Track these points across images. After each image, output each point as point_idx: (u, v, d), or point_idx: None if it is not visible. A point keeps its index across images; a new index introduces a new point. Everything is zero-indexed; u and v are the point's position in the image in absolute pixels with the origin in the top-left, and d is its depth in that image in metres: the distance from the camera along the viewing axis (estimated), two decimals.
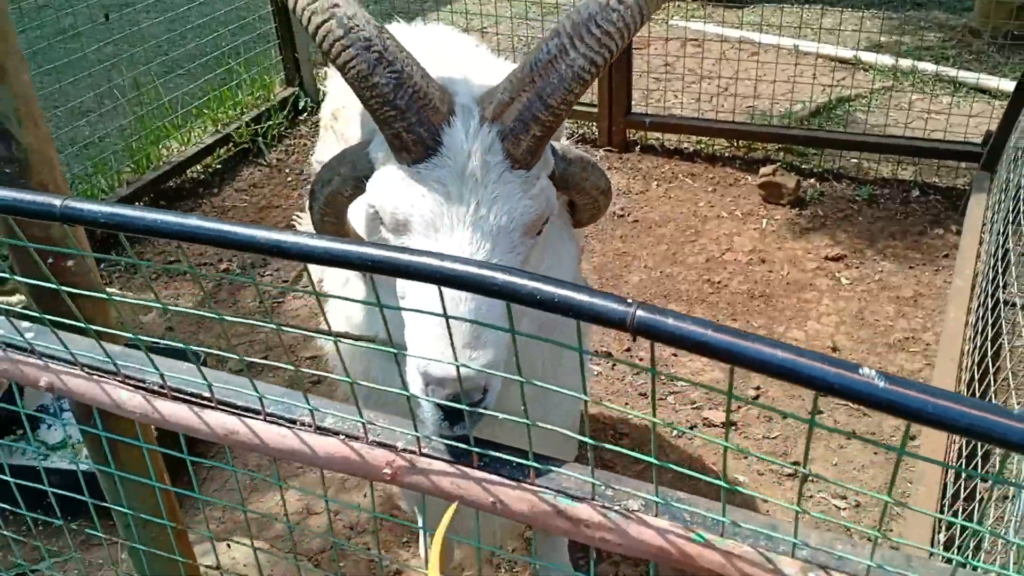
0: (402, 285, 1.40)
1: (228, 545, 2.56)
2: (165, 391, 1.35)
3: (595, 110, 4.79)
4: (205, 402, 1.33)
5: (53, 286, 1.19)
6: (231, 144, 4.87)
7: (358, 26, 1.27)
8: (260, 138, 4.93)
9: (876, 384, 0.80)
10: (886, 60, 5.47)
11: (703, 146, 4.78)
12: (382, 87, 1.25)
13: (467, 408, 1.16)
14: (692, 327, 0.87)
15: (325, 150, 2.07)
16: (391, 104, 1.26)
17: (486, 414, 1.23)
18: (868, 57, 5.52)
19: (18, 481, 1.73)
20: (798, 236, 4.09)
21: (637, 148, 4.83)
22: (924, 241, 4.03)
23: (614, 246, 4.08)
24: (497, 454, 1.18)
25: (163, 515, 1.75)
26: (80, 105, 5.01)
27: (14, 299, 1.57)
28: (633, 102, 4.89)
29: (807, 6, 6.46)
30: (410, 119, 1.27)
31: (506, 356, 1.32)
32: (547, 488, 1.16)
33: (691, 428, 3.09)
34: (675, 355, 3.40)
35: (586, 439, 1.03)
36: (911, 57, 5.50)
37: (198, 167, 4.71)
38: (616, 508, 1.14)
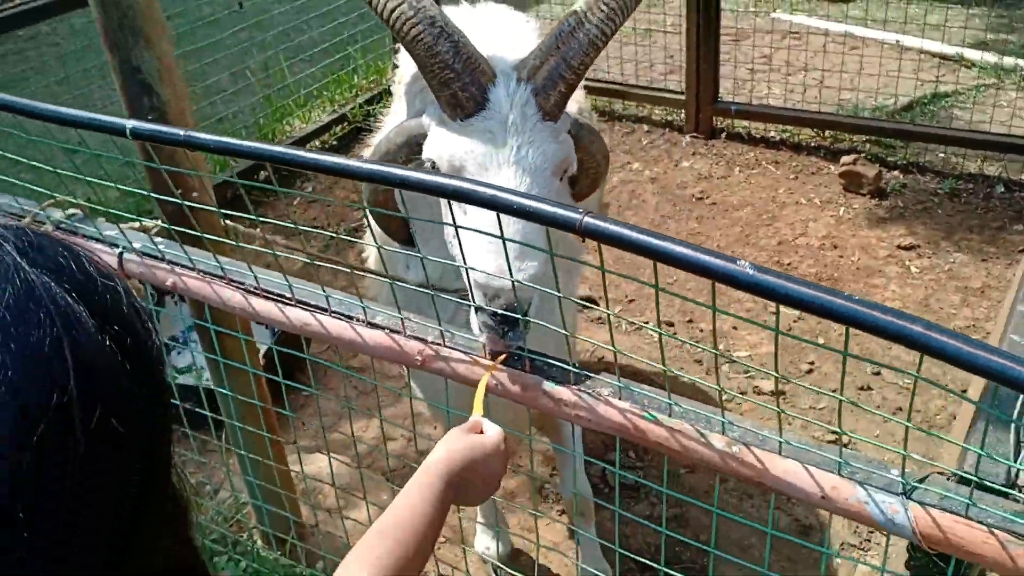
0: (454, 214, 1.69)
1: (323, 453, 2.96)
2: (258, 291, 1.72)
3: (682, 97, 5.00)
4: (287, 301, 1.70)
5: (177, 200, 1.58)
6: (346, 123, 5.33)
7: (424, 7, 1.60)
8: (372, 118, 5.38)
9: (746, 271, 1.07)
10: (990, 58, 5.44)
11: (789, 135, 4.92)
12: (443, 54, 1.56)
13: (522, 317, 1.45)
14: (622, 229, 1.15)
15: (392, 120, 2.41)
16: (451, 68, 1.57)
17: (532, 322, 1.49)
18: (972, 55, 5.50)
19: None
20: (874, 225, 4.20)
21: (723, 135, 5.02)
22: (1002, 236, 4.07)
23: (689, 226, 4.31)
24: (522, 353, 1.49)
25: (260, 418, 2.14)
26: (216, 84, 5.57)
27: (151, 224, 1.98)
28: (725, 91, 5.09)
29: (913, 3, 6.44)
30: (464, 80, 1.58)
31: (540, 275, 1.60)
32: (537, 375, 1.47)
33: (741, 394, 3.30)
34: (735, 328, 3.62)
35: (593, 340, 1.33)
36: (1017, 56, 5.45)
37: (316, 143, 5.19)
38: (589, 392, 1.44)
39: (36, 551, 0.56)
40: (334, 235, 3.13)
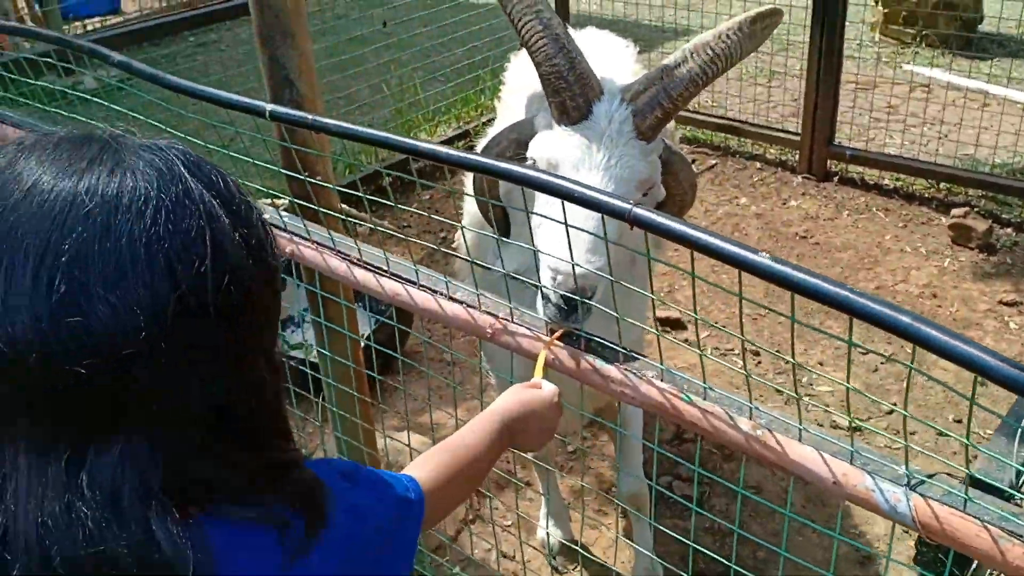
0: (542, 206, 1.87)
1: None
2: (360, 263, 1.97)
3: (797, 138, 5.06)
4: (383, 272, 1.93)
5: (301, 176, 1.84)
6: (468, 139, 5.64)
7: (552, 24, 1.82)
8: None
9: (766, 261, 1.22)
10: None
11: (903, 184, 4.90)
12: (560, 67, 1.78)
13: (583, 300, 1.63)
14: (665, 220, 1.32)
15: (496, 128, 2.64)
16: (564, 79, 1.78)
17: (594, 307, 1.67)
18: None
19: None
20: (978, 278, 4.15)
21: (836, 178, 5.04)
22: None
23: None
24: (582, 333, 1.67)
25: (353, 388, 2.38)
26: (357, 95, 5.99)
27: (281, 200, 2.27)
28: (844, 136, 5.12)
29: None
30: (574, 91, 1.79)
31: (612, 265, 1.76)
32: (590, 354, 1.64)
33: (819, 425, 3.35)
34: (820, 363, 3.66)
35: (647, 325, 1.50)
36: None
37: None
38: (635, 372, 1.60)
39: (165, 379, 0.78)
40: (435, 248, 3.38)
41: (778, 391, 3.55)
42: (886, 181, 4.96)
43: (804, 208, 4.85)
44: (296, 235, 2.07)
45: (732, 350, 3.77)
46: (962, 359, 1.06)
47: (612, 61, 2.24)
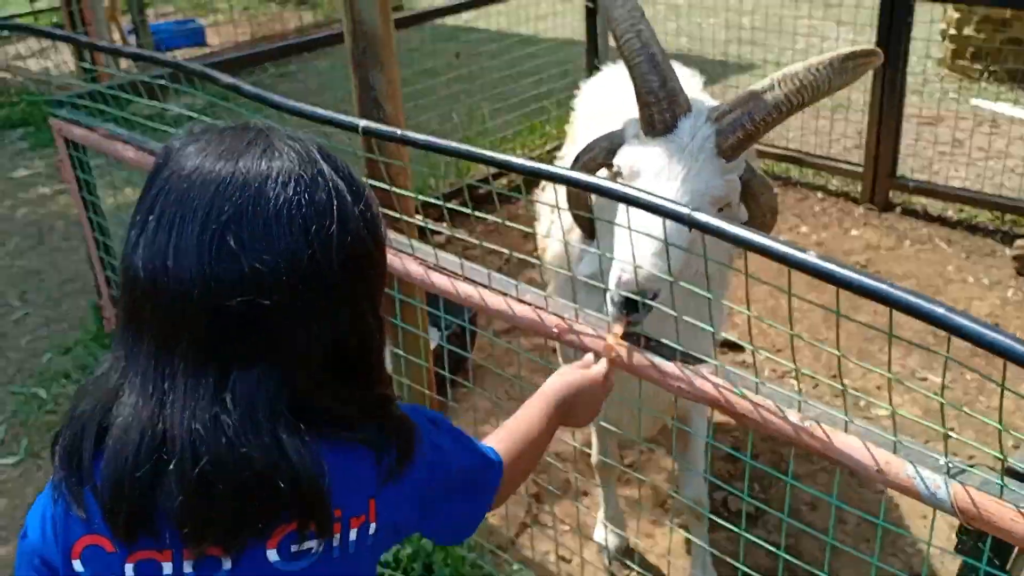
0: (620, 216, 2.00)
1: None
2: (436, 267, 2.13)
3: (860, 169, 5.12)
4: (458, 277, 2.09)
5: (383, 186, 2.02)
6: None
7: (649, 42, 1.94)
8: (554, 162, 5.84)
9: (811, 258, 1.34)
10: None
11: (966, 215, 4.91)
12: (652, 82, 1.91)
13: (643, 300, 1.75)
14: (722, 224, 1.45)
15: (570, 149, 2.78)
16: (655, 93, 1.91)
17: (653, 306, 1.77)
18: None
19: None
20: None
21: (898, 209, 5.08)
22: None
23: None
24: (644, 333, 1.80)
25: (424, 386, 2.54)
26: (428, 124, 6.21)
27: None
28: (909, 169, 5.16)
29: None
30: (663, 105, 1.91)
31: (676, 270, 1.80)
32: (650, 351, 1.77)
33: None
34: (879, 388, 3.70)
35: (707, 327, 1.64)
36: None
37: (503, 180, 5.71)
38: (691, 368, 1.72)
39: (295, 320, 0.97)
40: (510, 255, 3.53)
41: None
42: (949, 213, 4.98)
43: (865, 238, 4.89)
44: None
45: (789, 373, 3.83)
46: (993, 346, 1.17)
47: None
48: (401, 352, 2.47)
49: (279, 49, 5.73)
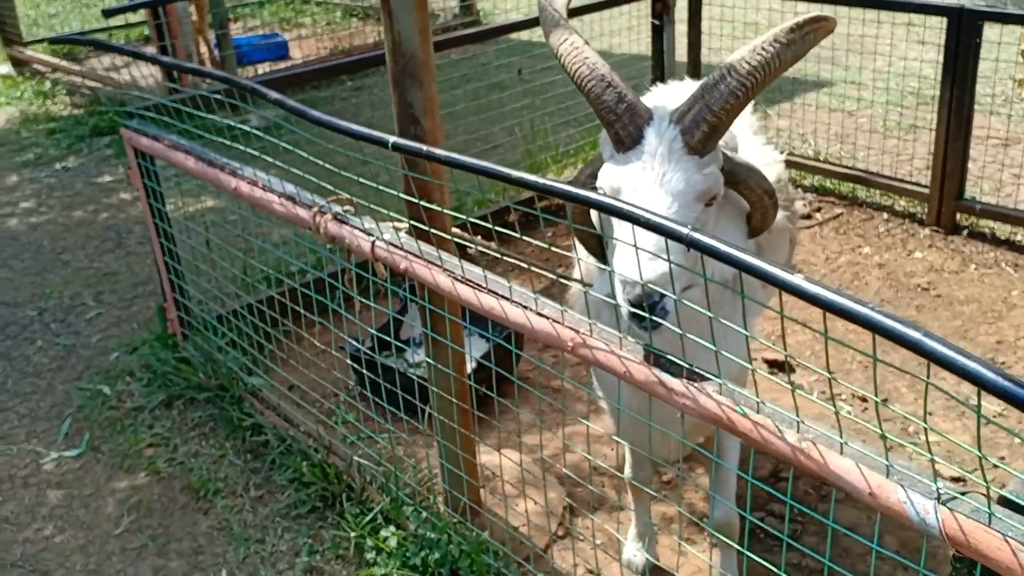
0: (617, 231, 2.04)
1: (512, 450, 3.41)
2: (463, 280, 2.20)
3: (926, 190, 5.00)
4: (482, 289, 2.16)
5: (413, 199, 2.10)
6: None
7: (597, 66, 1.99)
8: None
9: (802, 284, 1.36)
10: None
11: None
12: (608, 102, 1.96)
13: (649, 315, 1.78)
14: (717, 244, 1.49)
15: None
16: (613, 112, 1.96)
17: (662, 323, 1.78)
18: None
19: (373, 378, 2.68)
20: None
21: (964, 232, 4.94)
22: None
23: (906, 313, 4.32)
24: (657, 351, 1.84)
25: (453, 395, 2.61)
26: (493, 137, 6.32)
27: (403, 225, 2.54)
28: (980, 192, 5.01)
29: None
30: (624, 121, 1.95)
31: (681, 283, 1.83)
32: (657, 367, 1.80)
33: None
34: (931, 413, 3.62)
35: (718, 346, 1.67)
36: None
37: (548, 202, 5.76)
38: (696, 386, 1.75)
39: None
40: (555, 277, 3.59)
41: (882, 437, 3.54)
42: (1019, 237, 4.83)
43: (929, 260, 4.78)
44: (411, 254, 2.34)
45: (840, 395, 3.78)
46: (963, 372, 1.17)
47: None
48: (438, 364, 2.56)
49: (354, 63, 5.92)
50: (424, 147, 2.00)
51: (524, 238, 2.10)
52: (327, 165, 2.44)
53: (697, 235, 1.52)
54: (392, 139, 2.07)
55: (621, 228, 1.86)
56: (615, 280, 1.86)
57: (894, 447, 3.43)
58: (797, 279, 1.38)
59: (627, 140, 1.96)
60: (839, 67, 6.55)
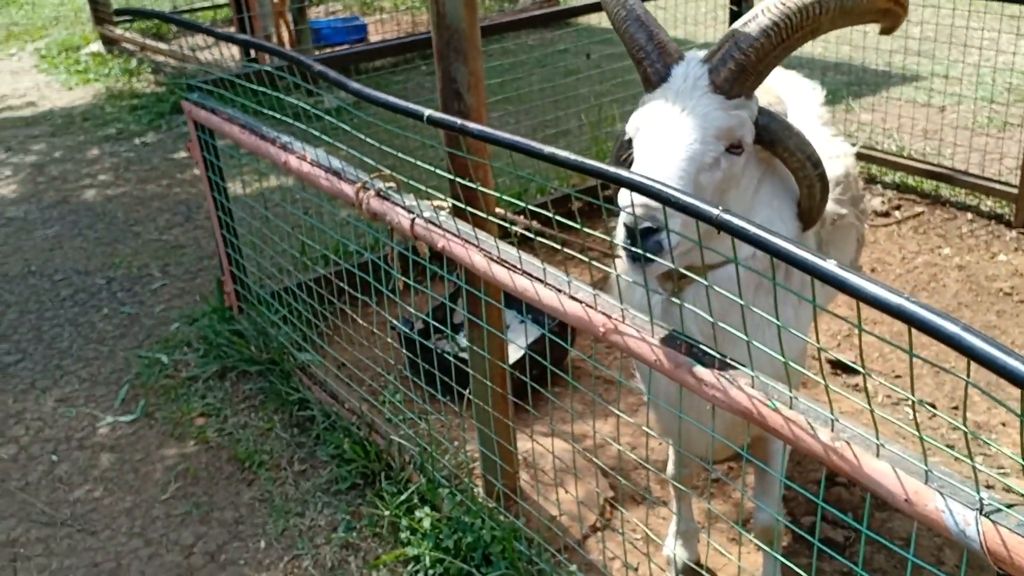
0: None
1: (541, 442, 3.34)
2: (498, 260, 2.14)
3: (1014, 190, 4.72)
4: (516, 269, 2.10)
5: (449, 176, 2.05)
6: None
7: (633, 7, 1.93)
8: None
9: (832, 268, 1.26)
10: None
11: None
12: (639, 39, 1.90)
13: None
14: (747, 225, 1.39)
15: None
16: (643, 49, 1.90)
17: (655, 259, 1.68)
18: None
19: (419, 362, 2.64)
20: None
21: None
22: None
23: (986, 318, 4.08)
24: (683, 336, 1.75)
25: (488, 378, 2.55)
26: (562, 123, 6.23)
27: (445, 204, 2.49)
28: None
29: None
30: (652, 58, 1.89)
31: (676, 222, 1.70)
32: (689, 357, 1.71)
33: (988, 487, 3.12)
34: (1003, 424, 3.41)
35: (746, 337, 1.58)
36: None
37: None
38: (727, 377, 1.65)
39: None
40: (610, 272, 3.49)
41: (949, 446, 3.35)
42: None
43: (1014, 264, 4.51)
44: (449, 232, 2.29)
45: (906, 400, 3.59)
46: (1004, 371, 1.06)
47: (798, 99, 2.28)
48: (475, 348, 2.51)
49: (413, 42, 5.90)
50: (458, 121, 1.94)
51: (572, 227, 2.02)
52: (382, 146, 2.40)
53: (728, 216, 1.43)
54: (428, 112, 2.02)
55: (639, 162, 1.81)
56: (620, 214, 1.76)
57: (950, 455, 3.25)
58: (828, 264, 1.28)
59: (654, 78, 1.90)
60: (931, 60, 6.23)
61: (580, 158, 1.63)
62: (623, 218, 1.74)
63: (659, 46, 1.90)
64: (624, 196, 1.71)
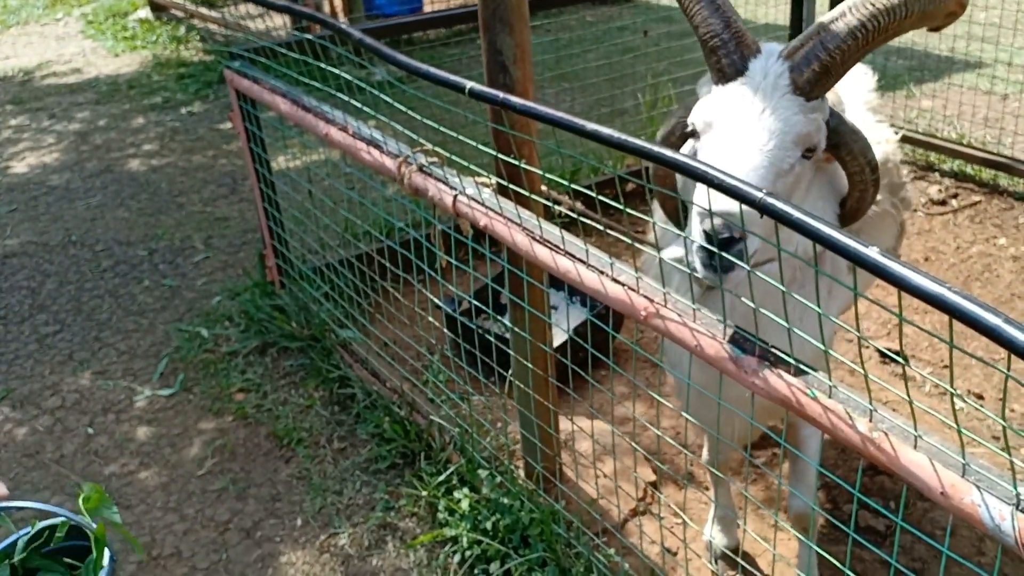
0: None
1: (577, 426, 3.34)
2: (541, 240, 2.14)
3: None
4: (559, 252, 2.08)
5: (493, 152, 2.05)
6: None
7: None
8: None
9: (872, 255, 1.23)
10: None
11: None
12: (715, 26, 1.81)
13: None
14: (791, 210, 1.36)
15: None
16: (719, 37, 1.81)
17: (736, 263, 1.62)
18: None
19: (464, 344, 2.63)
20: None
21: None
22: None
23: None
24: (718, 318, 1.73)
25: (528, 359, 2.55)
26: (620, 101, 6.14)
27: (490, 181, 2.46)
28: None
29: None
30: (729, 48, 1.80)
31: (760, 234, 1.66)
32: (728, 343, 1.69)
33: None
34: None
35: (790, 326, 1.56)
36: None
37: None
38: (768, 365, 1.63)
39: None
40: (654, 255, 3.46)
41: (995, 438, 3.28)
42: None
43: None
44: (492, 210, 2.29)
45: (954, 390, 3.51)
46: None
47: (848, 82, 2.19)
48: (516, 329, 2.51)
49: (464, 13, 5.86)
50: (500, 95, 1.93)
51: (609, 210, 2.01)
52: (427, 121, 2.39)
53: (772, 200, 1.40)
54: (469, 84, 2.01)
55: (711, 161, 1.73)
56: (692, 216, 1.71)
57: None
58: (871, 252, 1.25)
59: (729, 70, 1.81)
60: (995, 46, 6.03)
61: (627, 137, 1.60)
62: (701, 222, 1.65)
63: (736, 35, 1.81)
64: (703, 196, 1.61)
